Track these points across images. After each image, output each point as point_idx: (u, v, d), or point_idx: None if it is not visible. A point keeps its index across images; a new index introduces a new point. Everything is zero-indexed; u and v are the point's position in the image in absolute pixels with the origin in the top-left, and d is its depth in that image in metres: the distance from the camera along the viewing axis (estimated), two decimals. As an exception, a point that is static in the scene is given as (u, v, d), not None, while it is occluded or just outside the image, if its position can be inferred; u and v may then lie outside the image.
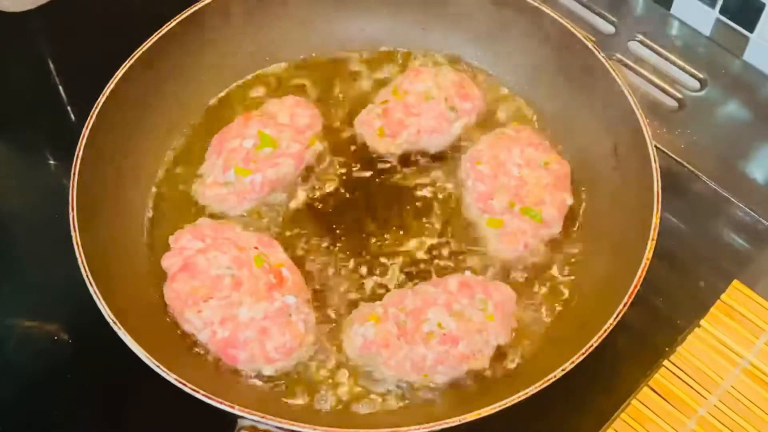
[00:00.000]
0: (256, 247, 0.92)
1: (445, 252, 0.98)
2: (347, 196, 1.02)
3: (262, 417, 0.79)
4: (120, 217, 0.97)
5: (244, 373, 0.89)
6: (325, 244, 0.98)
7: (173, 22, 1.03)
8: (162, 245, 0.97)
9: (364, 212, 1.01)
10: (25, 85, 1.18)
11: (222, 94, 1.09)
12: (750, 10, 1.12)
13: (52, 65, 1.21)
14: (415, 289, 0.92)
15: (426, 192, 1.02)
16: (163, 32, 1.02)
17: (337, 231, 1.00)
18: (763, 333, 0.96)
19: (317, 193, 1.02)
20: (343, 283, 0.96)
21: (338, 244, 0.99)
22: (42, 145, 1.13)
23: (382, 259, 0.97)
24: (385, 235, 0.99)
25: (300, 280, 0.93)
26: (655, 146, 0.94)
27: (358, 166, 1.04)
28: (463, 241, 0.99)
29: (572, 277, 0.96)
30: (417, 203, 1.02)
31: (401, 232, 0.99)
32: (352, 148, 1.06)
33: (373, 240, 0.99)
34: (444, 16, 1.11)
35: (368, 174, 1.04)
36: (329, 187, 1.03)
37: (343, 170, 1.04)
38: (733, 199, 1.06)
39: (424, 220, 1.00)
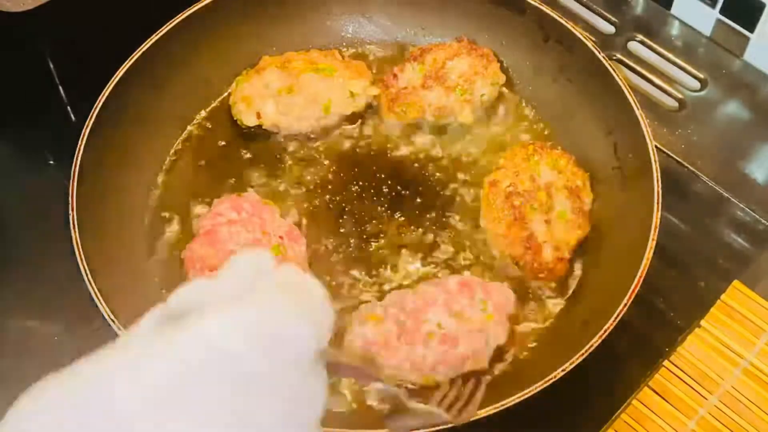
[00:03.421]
0: (281, 237, 0.92)
1: (445, 252, 0.98)
2: (348, 197, 1.02)
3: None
4: (121, 217, 0.97)
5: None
6: (324, 245, 0.99)
7: (173, 22, 1.03)
8: (164, 245, 0.97)
9: (364, 214, 1.01)
10: (25, 85, 1.18)
11: (223, 93, 1.09)
12: (750, 10, 1.12)
13: (52, 65, 1.21)
14: (416, 289, 0.92)
15: (425, 192, 1.02)
16: (163, 32, 1.03)
17: (341, 230, 1.00)
18: (763, 333, 0.96)
19: (318, 194, 1.02)
20: (343, 283, 0.96)
21: (339, 246, 0.99)
22: (42, 145, 1.13)
23: (383, 260, 0.97)
24: (387, 234, 0.99)
25: None
26: (655, 146, 0.94)
27: (360, 168, 1.05)
28: (463, 241, 0.99)
29: (574, 277, 0.96)
30: (417, 203, 1.02)
31: (402, 232, 0.99)
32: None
33: (373, 241, 0.99)
34: (443, 16, 1.12)
35: (372, 175, 1.04)
36: (333, 189, 1.03)
37: (345, 170, 1.04)
38: (733, 199, 1.06)
39: (425, 218, 1.00)
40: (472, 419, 0.79)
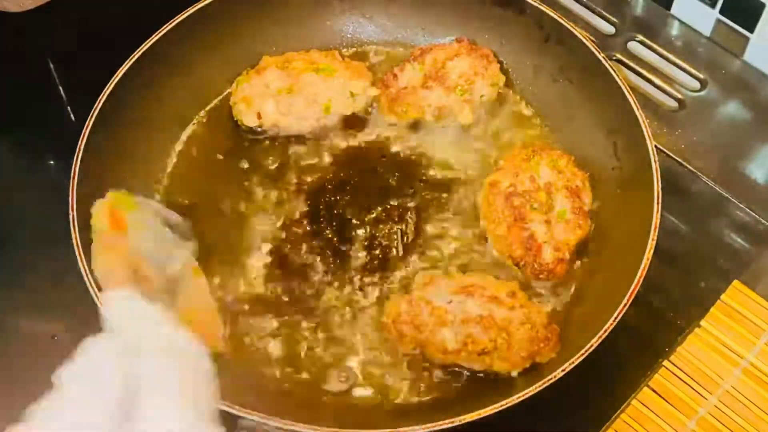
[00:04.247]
0: None
1: (445, 253, 0.98)
2: (347, 197, 1.02)
3: (262, 417, 0.79)
4: (120, 217, 0.97)
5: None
6: (324, 245, 0.99)
7: (173, 22, 1.03)
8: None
9: (364, 214, 1.01)
10: (25, 85, 1.18)
11: (223, 92, 1.09)
12: (750, 10, 1.12)
13: (52, 65, 1.21)
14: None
15: (426, 193, 1.02)
16: (163, 32, 1.02)
17: (341, 230, 1.00)
18: (763, 333, 0.96)
19: (319, 193, 1.02)
20: (343, 284, 0.96)
21: (340, 246, 0.99)
22: (42, 145, 1.13)
23: (382, 260, 0.97)
24: (388, 234, 0.99)
25: None
26: (655, 146, 0.94)
27: (360, 168, 1.05)
28: (463, 242, 0.99)
29: (574, 278, 0.96)
30: (417, 204, 1.02)
31: (402, 233, 1.00)
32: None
33: (374, 241, 0.99)
34: (443, 16, 1.11)
35: (372, 175, 1.04)
36: (333, 189, 1.03)
37: (345, 171, 1.04)
38: (733, 199, 1.06)
39: (425, 219, 1.00)
40: (471, 419, 0.79)
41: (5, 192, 1.11)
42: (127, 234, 0.82)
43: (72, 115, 1.15)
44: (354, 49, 1.13)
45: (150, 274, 0.79)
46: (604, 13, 1.22)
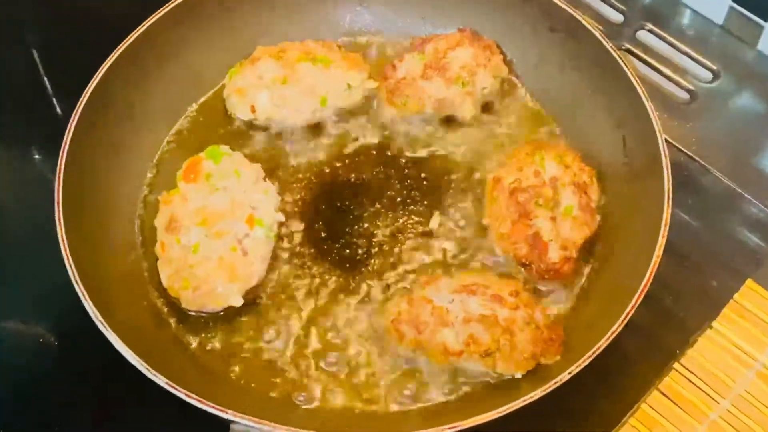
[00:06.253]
0: None
1: (446, 252, 0.96)
2: (344, 191, 1.01)
3: (258, 422, 0.78)
4: (109, 214, 0.97)
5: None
6: (320, 240, 0.97)
7: (163, 10, 1.02)
8: (153, 240, 0.95)
9: (362, 209, 1.00)
10: (10, 79, 1.17)
11: (215, 84, 1.08)
12: (764, -3, 1.11)
13: (38, 59, 1.20)
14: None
15: (425, 189, 1.01)
16: (147, 25, 1.01)
17: (337, 225, 0.98)
18: (777, 334, 0.95)
19: (314, 188, 1.01)
20: (340, 281, 0.95)
21: (336, 241, 0.97)
22: (27, 140, 1.13)
23: (381, 257, 0.96)
24: (386, 231, 0.98)
25: None
26: (666, 140, 0.93)
27: (357, 162, 1.03)
28: (465, 241, 0.97)
29: (580, 276, 0.94)
30: (416, 200, 1.00)
31: (401, 230, 0.98)
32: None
33: (371, 237, 0.98)
34: (444, 5, 1.10)
35: (369, 170, 1.03)
36: (330, 184, 1.01)
37: (342, 165, 1.03)
38: (746, 195, 1.05)
39: (425, 217, 0.99)
40: (478, 423, 0.77)
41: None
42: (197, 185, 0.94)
43: (58, 108, 1.15)
44: (351, 39, 1.12)
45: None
46: (613, 1, 1.21)
